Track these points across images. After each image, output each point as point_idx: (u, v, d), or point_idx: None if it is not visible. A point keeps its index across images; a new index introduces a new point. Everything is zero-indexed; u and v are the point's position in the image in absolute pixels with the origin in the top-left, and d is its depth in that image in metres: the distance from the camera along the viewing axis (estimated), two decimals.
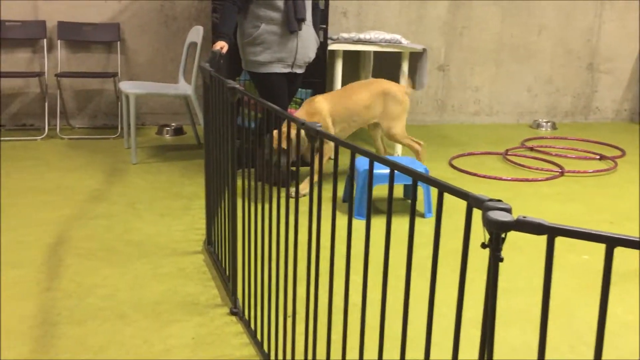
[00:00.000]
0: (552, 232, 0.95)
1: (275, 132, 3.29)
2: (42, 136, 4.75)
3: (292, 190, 3.28)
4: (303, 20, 3.58)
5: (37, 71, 4.89)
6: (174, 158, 4.39)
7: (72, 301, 2.38)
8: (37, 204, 3.38)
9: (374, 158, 1.41)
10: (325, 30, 4.10)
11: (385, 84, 3.67)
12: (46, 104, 4.89)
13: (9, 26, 4.79)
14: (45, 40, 4.88)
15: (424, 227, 3.27)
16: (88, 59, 5.04)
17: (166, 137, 4.99)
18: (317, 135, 1.56)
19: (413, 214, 1.30)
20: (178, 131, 5.08)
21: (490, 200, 1.04)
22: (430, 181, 1.20)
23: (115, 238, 2.98)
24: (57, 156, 4.31)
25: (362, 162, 3.45)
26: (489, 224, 0.98)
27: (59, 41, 4.92)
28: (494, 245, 1.00)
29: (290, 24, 3.54)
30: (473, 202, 1.08)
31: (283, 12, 3.53)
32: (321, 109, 3.56)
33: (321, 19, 3.94)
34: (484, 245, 1.03)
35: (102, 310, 2.32)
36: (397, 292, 2.52)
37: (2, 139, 4.67)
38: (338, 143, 1.51)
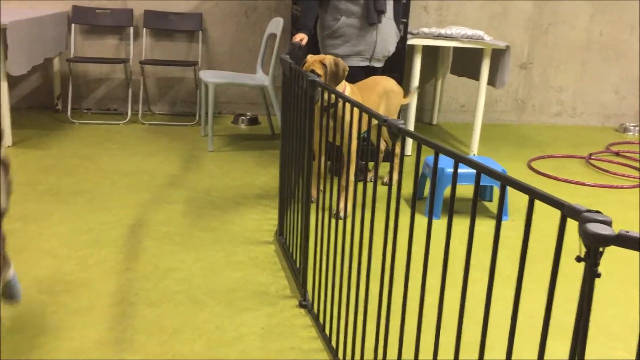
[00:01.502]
0: None
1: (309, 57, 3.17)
2: (125, 121, 4.94)
3: (341, 209, 3.18)
4: (383, 12, 3.53)
5: (123, 58, 5.08)
6: (248, 147, 4.46)
7: (149, 283, 2.45)
8: (120, 187, 3.51)
9: (459, 159, 1.37)
10: (406, 25, 4.03)
11: (384, 82, 3.50)
12: (129, 90, 5.08)
13: (99, 14, 4.99)
14: (132, 28, 5.06)
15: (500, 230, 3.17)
16: (171, 47, 5.19)
17: (241, 127, 5.07)
18: (399, 133, 1.53)
19: (499, 218, 1.25)
20: (253, 121, 5.16)
21: (588, 211, 0.98)
22: (521, 187, 1.15)
23: (190, 223, 3.06)
24: (138, 141, 4.47)
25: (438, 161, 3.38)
26: (587, 237, 0.92)
27: (144, 29, 5.09)
28: (592, 260, 0.94)
29: (370, 16, 3.51)
30: (568, 212, 1.02)
31: (363, 5, 3.50)
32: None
33: (403, 13, 3.88)
34: (579, 259, 0.97)
35: (177, 293, 2.39)
36: (469, 294, 2.45)
37: (88, 122, 4.88)
38: (421, 141, 1.47)
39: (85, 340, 2.05)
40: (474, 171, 3.36)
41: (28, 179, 3.54)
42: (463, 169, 3.11)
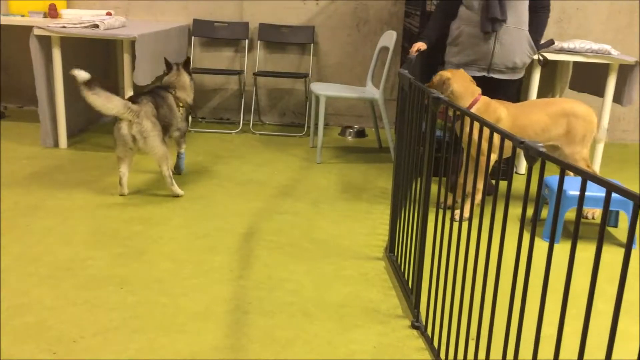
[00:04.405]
0: None
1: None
2: (237, 130, 5.10)
3: (457, 213, 3.10)
4: (497, 20, 3.40)
5: (237, 69, 5.25)
6: (355, 160, 4.45)
7: (261, 292, 2.49)
8: (232, 195, 3.62)
9: (587, 177, 1.28)
10: None
11: (569, 104, 3.30)
12: (242, 101, 5.24)
13: (218, 27, 5.20)
14: (247, 40, 5.22)
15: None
16: (283, 59, 5.30)
17: (348, 139, 5.08)
18: (539, 157, 1.44)
19: (630, 243, 1.14)
20: (360, 133, 5.15)
21: None
22: None
23: (301, 235, 3.08)
24: (249, 150, 4.59)
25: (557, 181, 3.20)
26: None
27: (258, 42, 5.23)
28: None
29: (483, 24, 3.42)
30: None
31: (479, 13, 3.43)
32: (499, 117, 3.28)
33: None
34: None
35: (289, 305, 2.40)
36: (596, 328, 2.28)
37: (202, 130, 5.09)
38: (565, 167, 1.38)
39: (203, 345, 2.10)
40: (598, 194, 3.14)
41: (148, 183, 3.73)
42: (587, 192, 2.92)
